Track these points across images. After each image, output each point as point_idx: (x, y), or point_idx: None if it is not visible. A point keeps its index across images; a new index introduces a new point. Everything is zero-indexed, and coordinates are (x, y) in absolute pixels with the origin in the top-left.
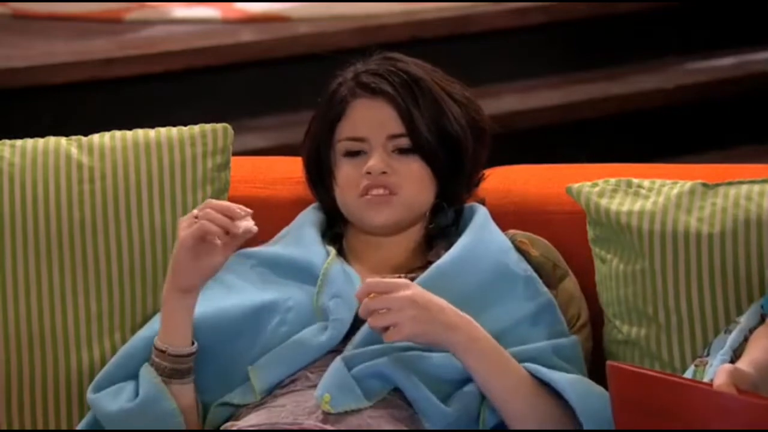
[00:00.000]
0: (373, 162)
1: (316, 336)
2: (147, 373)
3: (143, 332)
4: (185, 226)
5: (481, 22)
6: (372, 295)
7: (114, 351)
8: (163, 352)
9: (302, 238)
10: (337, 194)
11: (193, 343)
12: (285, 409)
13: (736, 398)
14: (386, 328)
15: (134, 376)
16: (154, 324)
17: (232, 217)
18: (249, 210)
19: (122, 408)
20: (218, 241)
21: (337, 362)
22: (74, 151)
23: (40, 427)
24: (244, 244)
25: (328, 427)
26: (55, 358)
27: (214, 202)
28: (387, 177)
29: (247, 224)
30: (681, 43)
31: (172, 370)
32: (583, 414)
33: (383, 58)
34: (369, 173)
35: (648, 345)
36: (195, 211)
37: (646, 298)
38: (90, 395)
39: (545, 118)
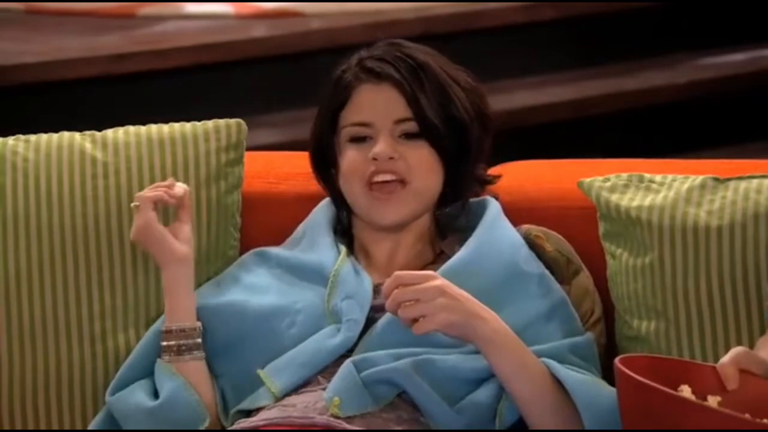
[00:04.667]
0: (380, 147)
1: (330, 338)
2: (162, 368)
3: (156, 326)
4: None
5: (492, 17)
6: (400, 287)
7: (128, 346)
8: (168, 332)
9: (316, 242)
10: (342, 183)
11: (198, 320)
12: (296, 408)
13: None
14: (414, 320)
15: (150, 374)
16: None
17: (168, 187)
18: (170, 178)
19: (144, 407)
20: (171, 200)
21: (348, 366)
22: (88, 146)
23: (53, 421)
24: (263, 239)
25: (339, 422)
26: (69, 352)
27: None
28: (394, 163)
29: (180, 185)
30: (692, 38)
31: (179, 346)
32: (587, 418)
33: (388, 44)
34: (375, 159)
35: (657, 340)
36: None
37: (656, 292)
38: (108, 398)
39: (557, 114)
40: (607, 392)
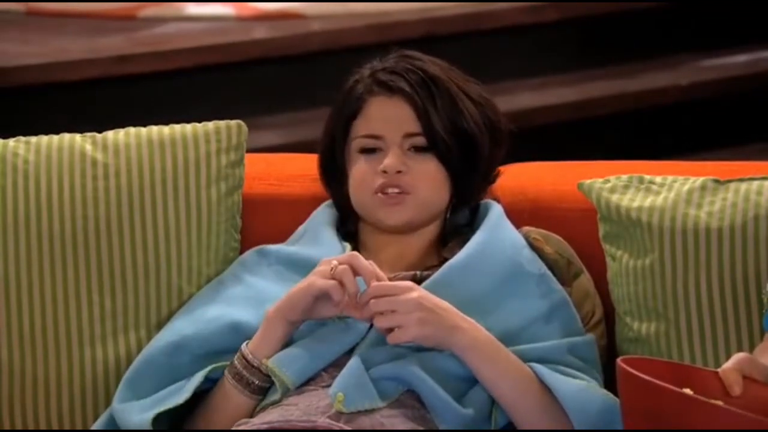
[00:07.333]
0: (389, 161)
1: (338, 333)
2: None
3: (165, 337)
4: (322, 272)
5: (495, 18)
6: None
7: (128, 349)
8: (246, 359)
9: (319, 237)
10: (351, 191)
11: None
12: (297, 408)
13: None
14: (390, 330)
15: (156, 382)
16: (176, 327)
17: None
18: (388, 286)
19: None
20: (338, 300)
21: (356, 360)
22: (89, 147)
23: (53, 422)
24: (263, 241)
25: (340, 425)
26: (69, 355)
27: (363, 262)
28: (402, 176)
29: (375, 304)
30: (695, 40)
31: (240, 375)
32: (577, 423)
33: (401, 56)
34: (385, 172)
35: (658, 342)
36: (338, 259)
37: (656, 293)
38: (115, 405)
39: (560, 115)
40: (598, 396)
